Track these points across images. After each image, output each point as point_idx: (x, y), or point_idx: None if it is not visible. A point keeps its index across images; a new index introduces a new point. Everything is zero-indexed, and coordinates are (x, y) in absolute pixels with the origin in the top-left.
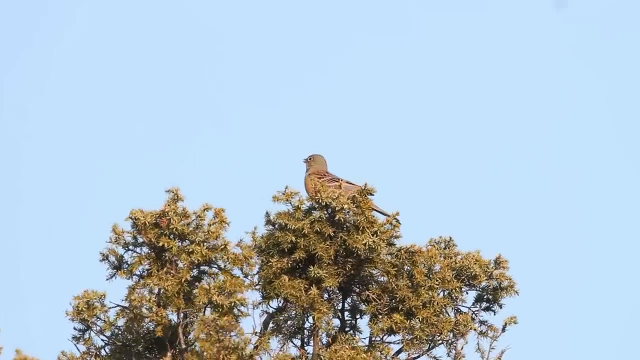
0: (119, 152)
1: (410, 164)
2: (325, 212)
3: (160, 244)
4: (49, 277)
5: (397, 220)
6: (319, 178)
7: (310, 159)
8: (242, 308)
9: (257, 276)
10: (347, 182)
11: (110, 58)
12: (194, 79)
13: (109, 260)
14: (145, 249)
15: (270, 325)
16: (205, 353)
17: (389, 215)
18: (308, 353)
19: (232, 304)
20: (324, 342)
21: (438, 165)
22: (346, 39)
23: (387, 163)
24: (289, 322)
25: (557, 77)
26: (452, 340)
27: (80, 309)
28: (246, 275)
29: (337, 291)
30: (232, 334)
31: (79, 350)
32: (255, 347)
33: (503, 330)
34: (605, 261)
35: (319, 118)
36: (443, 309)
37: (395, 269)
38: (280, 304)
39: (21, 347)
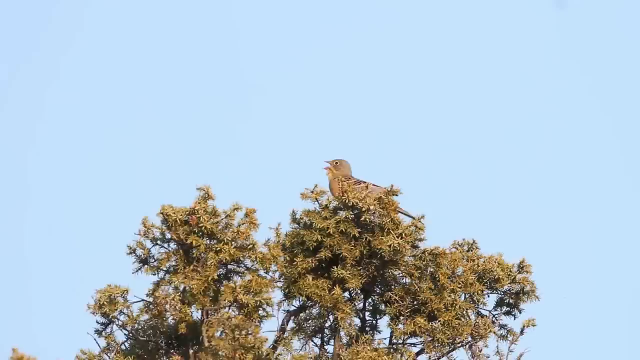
0: (150, 148)
1: (433, 167)
2: (352, 213)
3: (189, 242)
4: (72, 274)
5: (422, 223)
6: (345, 181)
7: (337, 163)
8: (267, 308)
9: (277, 273)
10: (373, 185)
11: (141, 54)
12: (223, 77)
13: (136, 254)
14: (173, 245)
15: (291, 324)
16: (221, 352)
17: (414, 218)
18: (328, 353)
19: (258, 303)
20: (345, 342)
21: (461, 168)
22: (371, 43)
23: (411, 166)
24: (309, 322)
25: (556, 77)
26: (472, 343)
27: (102, 303)
28: (267, 272)
29: (360, 292)
30: (247, 332)
31: (99, 345)
32: (274, 347)
33: (522, 332)
34: (629, 268)
35: (343, 120)
36: (465, 312)
37: (419, 271)
38: (301, 303)
39: (17, 346)
